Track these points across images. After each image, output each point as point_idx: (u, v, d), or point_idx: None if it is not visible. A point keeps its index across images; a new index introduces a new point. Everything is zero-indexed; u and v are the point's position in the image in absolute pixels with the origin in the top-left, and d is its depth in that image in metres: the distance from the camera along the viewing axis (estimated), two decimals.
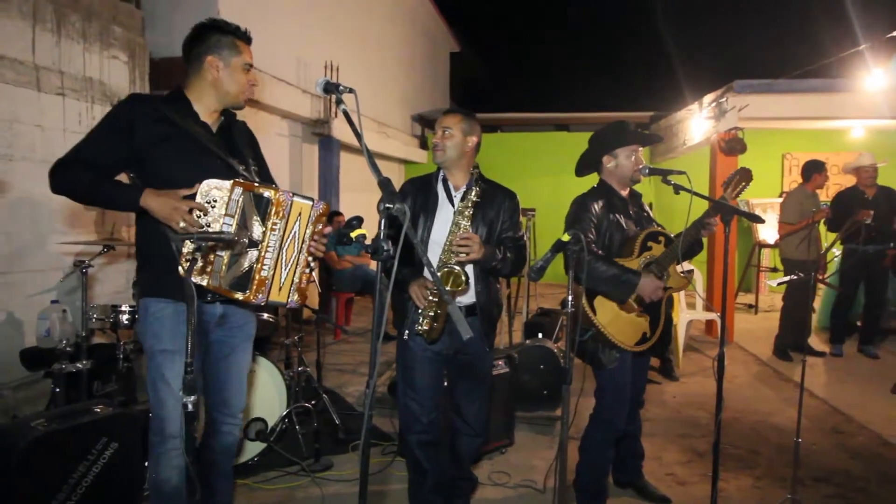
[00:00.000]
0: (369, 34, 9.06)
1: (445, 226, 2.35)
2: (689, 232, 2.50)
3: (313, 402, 3.51)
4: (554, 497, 2.17)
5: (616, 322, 2.49)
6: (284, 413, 3.30)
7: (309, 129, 7.25)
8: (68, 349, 3.14)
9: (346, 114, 1.67)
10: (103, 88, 4.26)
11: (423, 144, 11.31)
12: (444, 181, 2.43)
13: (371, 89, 9.02)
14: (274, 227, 1.89)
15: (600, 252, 2.48)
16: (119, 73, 4.41)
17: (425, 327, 2.27)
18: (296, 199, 1.94)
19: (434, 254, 2.32)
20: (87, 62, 4.15)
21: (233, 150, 2.05)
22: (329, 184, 7.32)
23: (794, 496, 2.64)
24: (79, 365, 3.11)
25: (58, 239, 3.86)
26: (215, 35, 1.99)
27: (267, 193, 1.87)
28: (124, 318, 3.27)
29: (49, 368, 3.16)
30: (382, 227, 1.47)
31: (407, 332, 2.37)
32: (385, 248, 1.46)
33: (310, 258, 2.02)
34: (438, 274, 2.19)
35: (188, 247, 1.72)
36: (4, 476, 2.24)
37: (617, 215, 2.60)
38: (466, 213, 2.32)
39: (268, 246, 1.89)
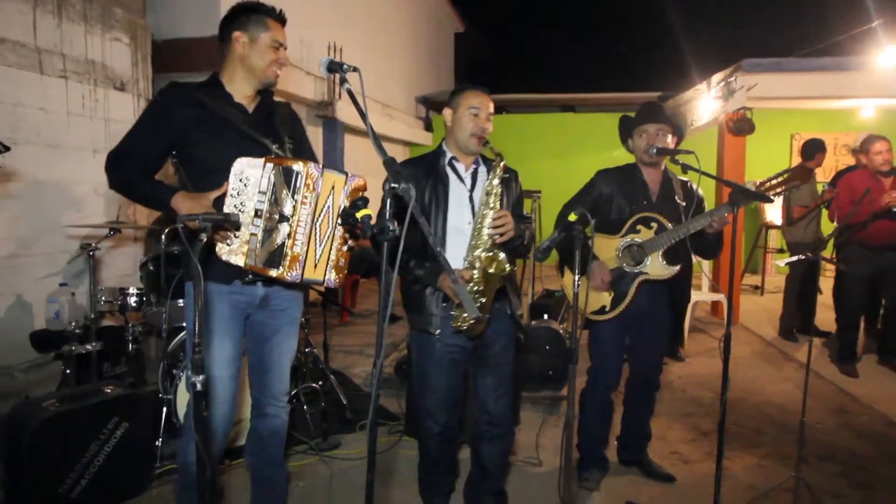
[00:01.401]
0: (373, 15, 8.96)
1: (461, 209, 2.20)
2: (692, 223, 2.47)
3: (321, 383, 3.55)
4: (560, 475, 2.19)
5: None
6: (292, 393, 3.33)
7: (313, 111, 7.21)
8: (77, 331, 3.17)
9: (350, 93, 1.65)
10: (106, 71, 4.24)
11: (428, 126, 11.23)
12: (451, 162, 2.26)
13: (375, 71, 8.94)
14: (305, 200, 1.82)
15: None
16: (121, 56, 4.38)
17: (471, 321, 2.06)
18: (327, 171, 1.86)
19: (454, 241, 2.16)
20: (89, 44, 4.12)
21: (268, 129, 2.03)
22: (333, 166, 7.30)
23: (798, 475, 2.65)
24: (88, 347, 3.15)
25: (64, 222, 3.88)
26: (245, 13, 2.02)
27: (296, 167, 1.81)
28: (132, 300, 3.31)
29: (59, 350, 3.19)
30: (388, 207, 1.46)
31: (440, 331, 2.16)
32: (391, 227, 1.43)
33: (347, 235, 1.94)
34: (482, 258, 2.07)
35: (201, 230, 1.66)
36: (18, 456, 2.28)
37: (631, 195, 2.63)
38: (495, 191, 2.14)
39: (299, 220, 1.81)
